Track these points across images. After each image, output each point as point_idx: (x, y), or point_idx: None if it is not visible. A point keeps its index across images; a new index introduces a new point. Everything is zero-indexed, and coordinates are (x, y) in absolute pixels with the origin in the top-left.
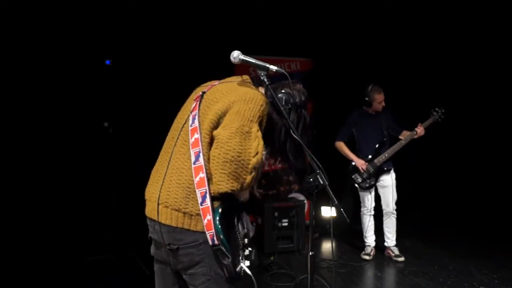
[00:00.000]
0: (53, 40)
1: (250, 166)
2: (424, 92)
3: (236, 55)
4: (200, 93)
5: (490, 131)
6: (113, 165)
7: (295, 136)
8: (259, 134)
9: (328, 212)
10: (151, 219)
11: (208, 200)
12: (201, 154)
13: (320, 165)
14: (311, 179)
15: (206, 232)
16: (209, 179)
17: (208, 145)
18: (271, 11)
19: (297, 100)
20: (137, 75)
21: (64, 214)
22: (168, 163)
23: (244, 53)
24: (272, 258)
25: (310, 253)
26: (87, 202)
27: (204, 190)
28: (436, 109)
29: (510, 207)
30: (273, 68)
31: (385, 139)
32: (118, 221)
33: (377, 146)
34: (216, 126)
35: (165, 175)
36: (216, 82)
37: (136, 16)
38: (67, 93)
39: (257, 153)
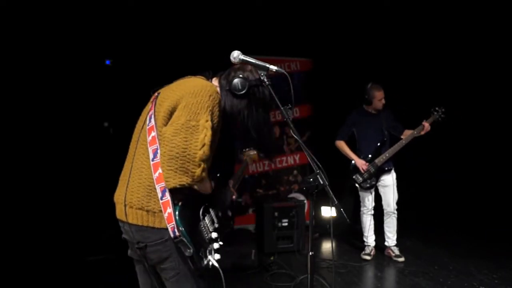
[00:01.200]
0: (53, 40)
1: (197, 159)
2: (424, 91)
3: (236, 55)
4: (156, 94)
5: (489, 130)
6: (113, 165)
7: (293, 134)
8: (208, 124)
9: (328, 212)
10: (120, 221)
11: (167, 194)
12: (158, 151)
13: (320, 165)
14: (311, 179)
15: (167, 225)
16: None
17: None
18: (271, 11)
19: (251, 79)
20: (137, 75)
21: (64, 214)
22: (131, 165)
23: (244, 53)
24: (272, 258)
25: (310, 253)
26: (87, 202)
27: (164, 185)
28: (436, 108)
29: (510, 207)
30: (273, 68)
31: (385, 139)
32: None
33: (377, 146)
34: (167, 122)
35: (129, 176)
36: (166, 86)
37: (136, 16)
38: (68, 93)
39: (203, 145)
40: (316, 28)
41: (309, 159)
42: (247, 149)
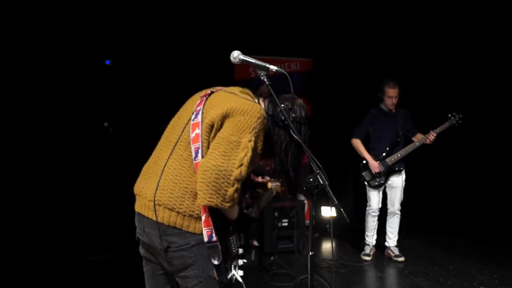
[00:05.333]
0: (54, 40)
1: (232, 178)
2: (424, 91)
3: (236, 55)
4: (209, 92)
5: (488, 130)
6: (113, 165)
7: (295, 136)
8: (250, 145)
9: (328, 212)
10: (140, 215)
11: None
12: (200, 151)
13: (320, 165)
14: (311, 179)
15: (204, 229)
16: None
17: (207, 146)
18: (271, 11)
19: (297, 115)
20: (137, 75)
21: (64, 214)
22: (167, 161)
23: (244, 53)
24: (272, 258)
25: (310, 253)
26: (87, 202)
27: None
28: (454, 113)
29: (510, 208)
30: (273, 68)
31: (399, 139)
32: (118, 221)
33: (390, 146)
34: (210, 130)
35: (162, 173)
36: (219, 88)
37: (136, 16)
38: (68, 93)
39: (241, 165)
40: (316, 28)
41: (309, 159)
42: (272, 179)
